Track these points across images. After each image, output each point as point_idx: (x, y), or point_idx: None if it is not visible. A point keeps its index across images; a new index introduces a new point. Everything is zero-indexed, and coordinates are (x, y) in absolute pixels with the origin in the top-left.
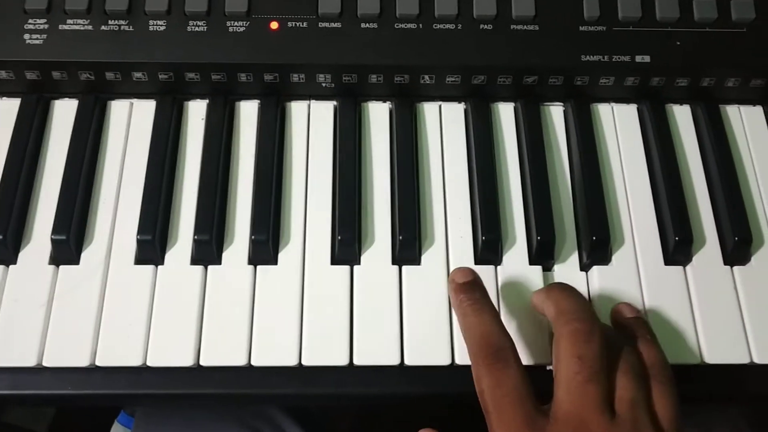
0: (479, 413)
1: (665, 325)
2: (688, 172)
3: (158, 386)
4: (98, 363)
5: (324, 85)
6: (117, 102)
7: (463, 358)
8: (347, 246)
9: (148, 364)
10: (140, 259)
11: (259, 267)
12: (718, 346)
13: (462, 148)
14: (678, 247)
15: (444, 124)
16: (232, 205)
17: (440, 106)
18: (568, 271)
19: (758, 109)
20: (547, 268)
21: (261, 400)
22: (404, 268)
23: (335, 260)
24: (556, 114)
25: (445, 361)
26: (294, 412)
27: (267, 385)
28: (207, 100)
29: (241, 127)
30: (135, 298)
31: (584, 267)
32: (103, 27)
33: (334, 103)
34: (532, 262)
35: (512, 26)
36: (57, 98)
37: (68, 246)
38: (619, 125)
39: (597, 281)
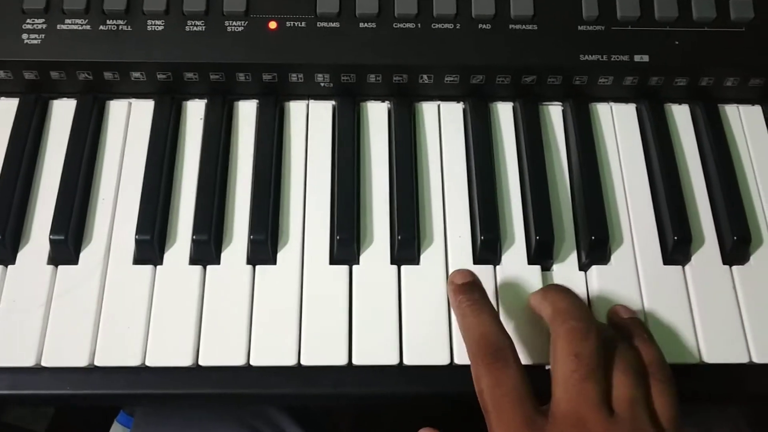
0: (478, 413)
1: (664, 325)
2: (687, 172)
3: (157, 386)
4: (97, 363)
5: (322, 84)
6: (115, 102)
7: (461, 357)
8: (346, 246)
9: (147, 364)
10: (139, 259)
11: (257, 267)
12: (716, 345)
13: (461, 147)
14: (677, 246)
15: (443, 124)
16: (230, 205)
17: (439, 106)
18: (566, 270)
19: (757, 109)
20: (546, 268)
21: (260, 400)
22: (403, 267)
23: (334, 260)
24: (554, 114)
25: (444, 360)
26: (294, 412)
27: (266, 385)
28: (205, 100)
29: (239, 127)
30: (133, 298)
31: (583, 267)
32: (101, 27)
33: (333, 102)
34: (530, 261)
35: (511, 26)
36: (55, 98)
37: (67, 246)
38: (618, 125)
39: (596, 281)
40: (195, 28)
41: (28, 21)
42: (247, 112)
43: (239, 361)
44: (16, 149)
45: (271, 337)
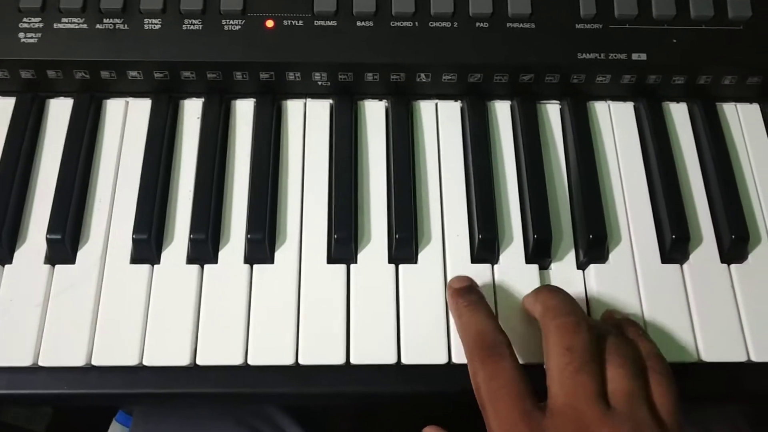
0: (476, 412)
1: (662, 324)
2: (685, 170)
3: (155, 386)
4: (94, 362)
5: (320, 83)
6: (112, 101)
7: (459, 356)
8: (344, 245)
9: (145, 363)
10: (136, 259)
11: (255, 266)
12: (715, 344)
13: (458, 146)
14: (675, 245)
15: (440, 123)
16: (228, 204)
17: (436, 105)
18: (564, 269)
19: (755, 107)
20: (544, 267)
21: (258, 399)
22: (401, 266)
23: (332, 259)
24: (552, 112)
25: (442, 359)
26: (293, 411)
27: (264, 385)
28: (203, 99)
29: (236, 126)
30: (131, 297)
31: (581, 265)
32: (98, 26)
33: (330, 101)
34: (528, 260)
35: (508, 24)
36: (52, 97)
37: (64, 245)
38: (616, 123)
39: (594, 280)
40: (192, 27)
41: (25, 20)
42: (244, 110)
43: (237, 360)
44: (13, 148)
45: (268, 336)
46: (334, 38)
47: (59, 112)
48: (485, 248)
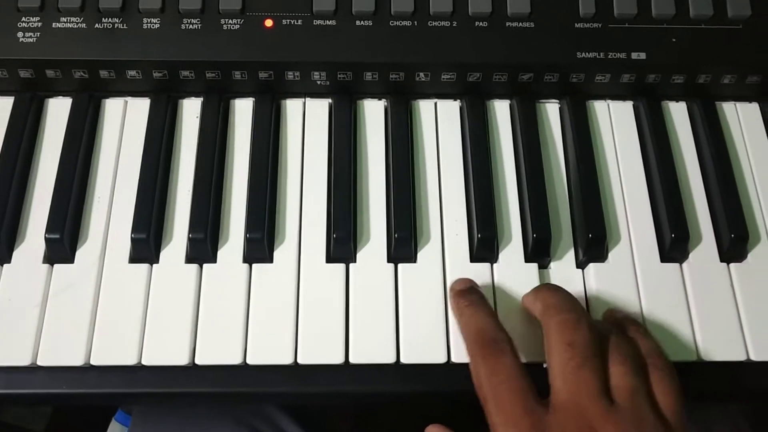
0: (476, 411)
1: (661, 323)
2: (685, 169)
3: (153, 385)
4: (93, 362)
5: (319, 82)
6: (111, 100)
7: (459, 356)
8: (342, 244)
9: (143, 363)
10: (135, 258)
11: (254, 265)
12: (714, 343)
13: (457, 145)
14: (674, 244)
15: (439, 122)
16: (227, 203)
17: (435, 104)
18: (564, 268)
19: (754, 106)
20: (543, 266)
21: (257, 398)
22: (400, 266)
23: (331, 258)
24: (551, 111)
25: (441, 359)
26: (292, 411)
27: (262, 384)
28: (201, 98)
29: (235, 125)
30: (130, 296)
31: (580, 264)
32: (96, 25)
33: (329, 100)
34: (528, 259)
35: (507, 23)
36: (51, 96)
37: (62, 245)
38: (615, 122)
39: (593, 279)
40: (191, 26)
41: (24, 19)
42: (243, 110)
43: (236, 359)
44: (11, 148)
45: (267, 335)
46: (333, 37)
47: (58, 111)
48: (484, 247)
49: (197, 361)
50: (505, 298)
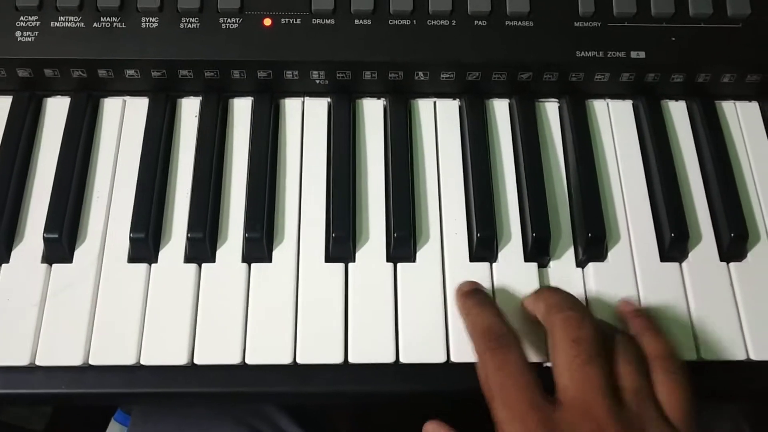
0: (475, 411)
1: (661, 322)
2: (684, 169)
3: (152, 385)
4: (92, 362)
5: (318, 81)
6: (110, 99)
7: (458, 355)
8: (342, 243)
9: (142, 362)
10: (133, 258)
11: (253, 265)
12: (714, 342)
13: (456, 144)
14: (674, 243)
15: (438, 121)
16: (225, 203)
17: (435, 103)
18: (563, 268)
19: (754, 105)
20: (543, 265)
21: (256, 398)
22: (399, 265)
23: (330, 258)
24: (551, 110)
25: (441, 358)
26: (291, 410)
27: (262, 384)
28: (200, 98)
29: (234, 125)
30: (128, 296)
31: (580, 263)
32: (95, 24)
33: (328, 99)
34: (527, 258)
35: (507, 22)
36: (49, 96)
37: (61, 244)
38: (615, 121)
39: (593, 278)
40: (189, 26)
41: (22, 18)
42: (242, 109)
43: (235, 359)
44: (9, 147)
45: (266, 335)
46: (332, 37)
47: (56, 110)
48: (484, 247)
49: (196, 361)
50: (504, 298)
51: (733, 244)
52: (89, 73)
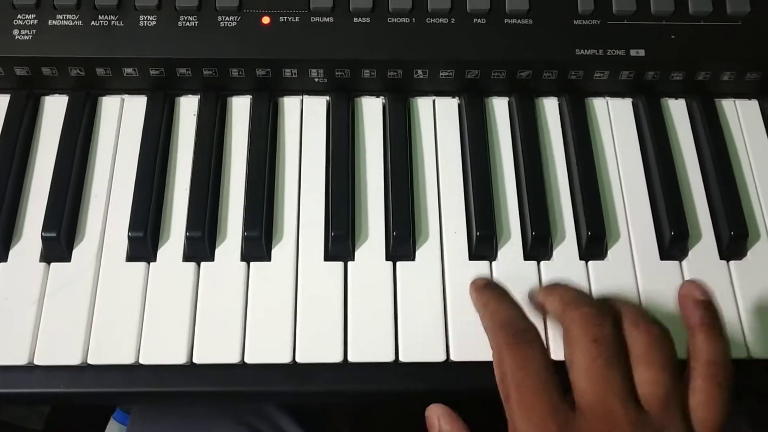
0: (475, 410)
1: (660, 321)
2: (684, 167)
3: (151, 384)
4: (90, 361)
5: (317, 80)
6: (108, 98)
7: (458, 354)
8: (341, 242)
9: (141, 362)
10: (132, 256)
11: (252, 263)
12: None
13: (456, 143)
14: (674, 241)
15: (438, 119)
16: (224, 202)
17: (434, 101)
18: (563, 266)
19: (753, 103)
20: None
21: (255, 397)
22: (398, 264)
23: (329, 256)
24: (550, 108)
25: (441, 357)
26: (291, 410)
27: (261, 383)
28: (199, 96)
29: (233, 123)
30: (127, 295)
31: (579, 262)
32: (92, 22)
33: (327, 98)
34: (527, 257)
35: (506, 20)
36: (47, 94)
37: (59, 243)
38: (614, 120)
39: (592, 277)
40: (188, 24)
41: (19, 17)
42: (240, 107)
43: (234, 358)
44: (7, 146)
45: (266, 334)
46: (331, 35)
47: (54, 109)
48: (483, 245)
49: (195, 360)
50: None
51: (733, 243)
52: (87, 72)
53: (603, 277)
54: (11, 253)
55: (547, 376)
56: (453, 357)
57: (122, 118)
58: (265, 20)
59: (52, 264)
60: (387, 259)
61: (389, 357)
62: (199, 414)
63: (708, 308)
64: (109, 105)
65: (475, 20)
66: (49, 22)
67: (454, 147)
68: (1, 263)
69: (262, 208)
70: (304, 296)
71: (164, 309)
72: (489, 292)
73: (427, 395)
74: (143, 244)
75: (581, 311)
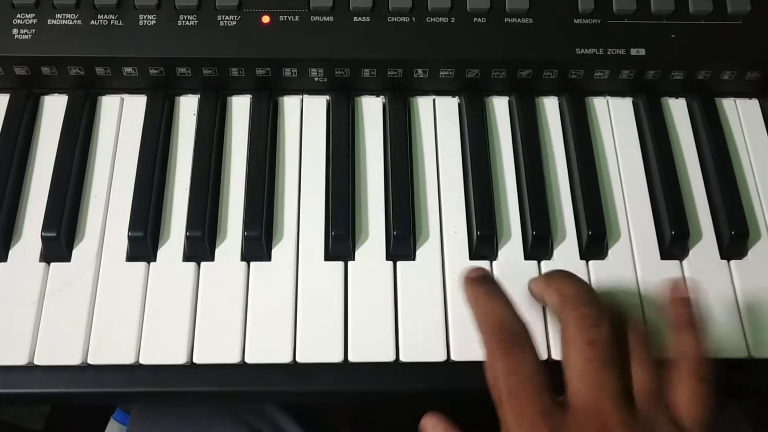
0: (475, 410)
1: (661, 320)
2: (684, 166)
3: (151, 384)
4: (90, 361)
5: (317, 79)
6: (107, 97)
7: (458, 354)
8: (341, 241)
9: (141, 362)
10: (132, 256)
11: (252, 263)
12: (714, 340)
13: (456, 142)
14: (674, 241)
15: (438, 119)
16: (224, 201)
17: (434, 100)
18: (563, 265)
19: (754, 102)
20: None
21: (255, 397)
22: (399, 263)
23: (329, 256)
24: (551, 108)
25: (441, 357)
26: (291, 409)
27: (261, 383)
28: (198, 95)
29: (233, 123)
30: (127, 295)
31: (580, 261)
32: (92, 22)
33: (327, 97)
34: (527, 256)
35: (506, 19)
36: (47, 93)
37: (59, 243)
38: (615, 119)
39: (593, 276)
40: (187, 23)
41: (19, 16)
42: (240, 107)
43: (234, 358)
44: (7, 145)
45: (266, 334)
46: (331, 34)
47: (54, 108)
48: (483, 245)
49: (195, 360)
50: None
51: (734, 242)
52: (87, 71)
53: (603, 277)
54: (11, 252)
55: (539, 379)
56: (453, 357)
57: (122, 118)
58: (265, 19)
59: (52, 264)
60: (387, 258)
61: (390, 357)
62: (199, 414)
63: (692, 307)
64: (109, 104)
65: (475, 19)
66: (49, 21)
67: (455, 146)
68: (1, 263)
69: (262, 208)
70: (304, 296)
71: (164, 309)
72: (480, 287)
73: (427, 395)
74: (143, 244)
75: (579, 312)
